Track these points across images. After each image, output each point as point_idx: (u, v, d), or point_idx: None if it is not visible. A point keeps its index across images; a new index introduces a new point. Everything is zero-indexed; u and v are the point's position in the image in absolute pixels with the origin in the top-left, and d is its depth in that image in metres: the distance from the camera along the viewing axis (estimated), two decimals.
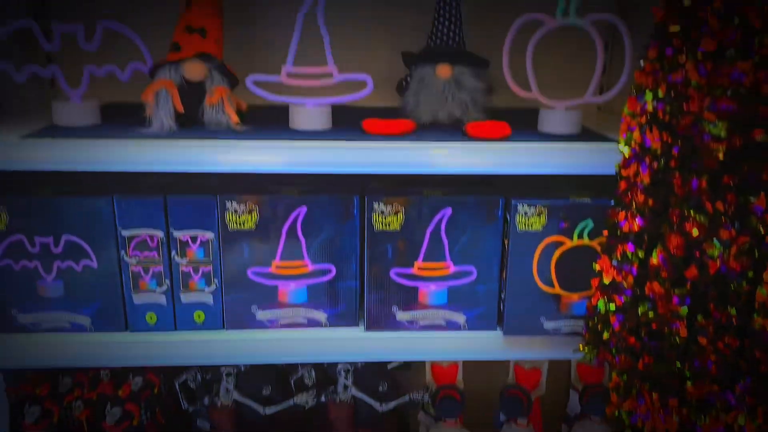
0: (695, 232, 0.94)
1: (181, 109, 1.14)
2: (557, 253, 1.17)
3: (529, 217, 1.15)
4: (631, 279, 1.02)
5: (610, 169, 1.07)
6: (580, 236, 1.16)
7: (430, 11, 1.30)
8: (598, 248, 1.15)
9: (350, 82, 1.18)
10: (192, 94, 1.17)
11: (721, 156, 0.91)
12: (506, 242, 1.18)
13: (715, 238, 0.93)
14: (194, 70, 1.16)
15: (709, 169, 0.92)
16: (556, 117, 1.21)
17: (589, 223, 1.16)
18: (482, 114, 1.26)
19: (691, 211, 0.94)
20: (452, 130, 1.22)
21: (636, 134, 0.98)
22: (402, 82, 1.34)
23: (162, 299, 1.19)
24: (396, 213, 1.17)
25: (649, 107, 0.96)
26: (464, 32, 1.30)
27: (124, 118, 1.21)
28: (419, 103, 1.27)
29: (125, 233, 1.15)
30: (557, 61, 1.42)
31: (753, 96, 0.88)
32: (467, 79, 1.26)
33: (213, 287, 1.19)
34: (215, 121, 1.17)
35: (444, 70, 1.26)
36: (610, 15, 1.17)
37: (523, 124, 1.24)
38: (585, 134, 1.21)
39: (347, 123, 1.22)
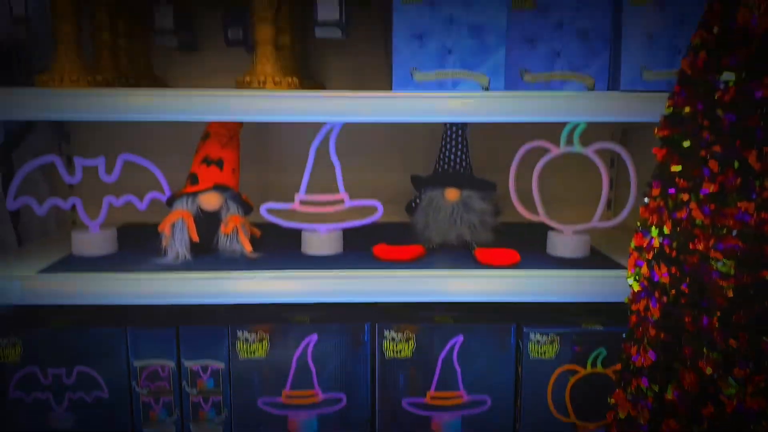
0: (709, 370, 0.93)
1: (196, 238, 1.17)
2: (572, 381, 1.16)
3: (541, 345, 1.15)
4: (647, 414, 1.00)
5: (620, 297, 1.07)
6: (594, 364, 1.15)
7: (438, 135, 1.34)
8: (613, 376, 1.14)
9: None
10: (207, 222, 1.20)
11: (730, 294, 0.91)
12: (519, 370, 1.17)
13: (730, 377, 0.92)
14: (210, 201, 1.20)
15: (719, 307, 0.92)
16: (564, 241, 1.23)
17: (602, 352, 1.15)
18: (491, 235, 1.28)
19: (704, 349, 0.93)
20: (462, 253, 1.24)
21: (644, 269, 0.99)
22: (411, 204, 1.37)
23: (172, 430, 1.17)
24: (407, 340, 1.16)
25: (656, 243, 0.97)
26: (470, 155, 1.34)
27: (140, 244, 1.24)
28: (429, 225, 1.29)
29: (137, 364, 1.15)
30: (564, 175, 1.45)
31: (759, 236, 0.89)
32: (475, 201, 1.29)
33: (223, 417, 1.18)
34: (229, 249, 1.20)
35: (452, 194, 1.29)
36: (612, 144, 1.20)
37: (531, 243, 1.26)
38: (594, 258, 1.22)
39: (358, 245, 1.25)
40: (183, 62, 1.48)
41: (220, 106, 1.05)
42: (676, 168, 0.95)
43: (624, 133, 1.51)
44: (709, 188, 0.91)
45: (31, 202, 1.17)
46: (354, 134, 1.32)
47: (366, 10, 1.42)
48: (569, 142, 1.20)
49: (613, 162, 1.56)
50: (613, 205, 1.57)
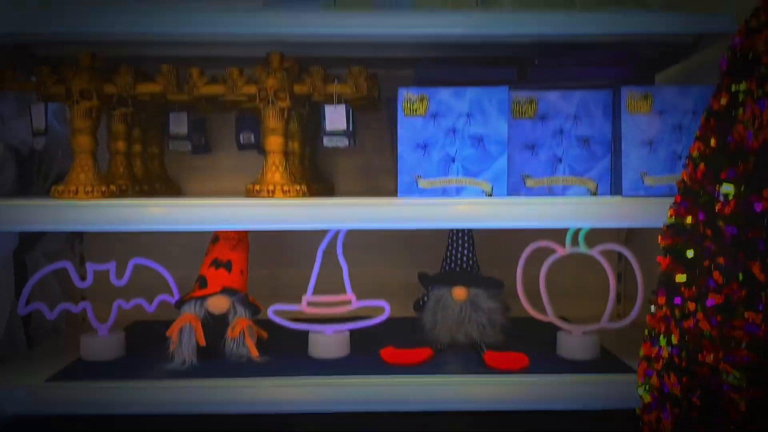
0: None
1: (203, 343, 1.17)
2: None
3: None
4: None
5: (632, 404, 1.05)
6: None
7: (445, 230, 1.35)
8: None
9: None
10: (215, 326, 1.20)
11: (743, 407, 0.89)
12: None
13: None
14: (218, 305, 1.21)
15: (732, 421, 0.90)
16: (573, 342, 1.22)
17: None
18: (500, 334, 1.27)
19: None
20: (470, 356, 1.22)
21: (654, 380, 0.97)
22: (419, 302, 1.37)
23: None
24: None
25: (664, 353, 0.96)
26: (477, 252, 1.35)
27: (148, 346, 1.24)
28: (437, 325, 1.29)
29: None
30: (571, 269, 1.44)
31: None
32: (483, 300, 1.29)
33: None
34: (236, 353, 1.19)
35: (460, 293, 1.29)
36: (617, 245, 1.21)
37: (540, 342, 1.26)
38: (604, 360, 1.20)
39: (366, 346, 1.24)
40: (196, 164, 1.53)
41: (231, 216, 1.08)
42: (680, 278, 0.95)
43: (629, 230, 1.51)
44: (715, 299, 0.91)
45: (42, 307, 1.19)
46: (361, 230, 1.34)
47: (374, 113, 1.46)
48: (575, 243, 1.21)
49: (621, 256, 1.56)
50: (623, 299, 1.56)
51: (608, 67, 1.18)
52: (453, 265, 1.33)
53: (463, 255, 1.33)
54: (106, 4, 1.43)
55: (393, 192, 1.15)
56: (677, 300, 0.95)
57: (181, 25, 1.07)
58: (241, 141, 1.40)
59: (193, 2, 1.45)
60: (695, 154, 0.96)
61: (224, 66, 1.17)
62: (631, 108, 1.11)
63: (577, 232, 1.20)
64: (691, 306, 0.94)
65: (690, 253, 0.94)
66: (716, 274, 0.91)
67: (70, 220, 1.06)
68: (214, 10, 1.07)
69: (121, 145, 1.27)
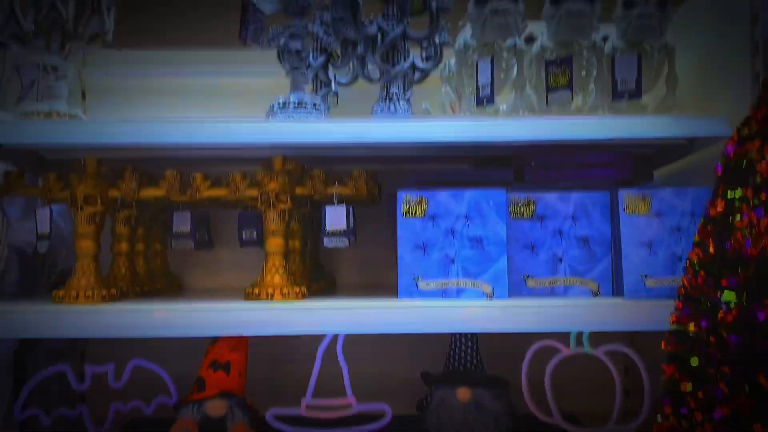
0: None
1: None
2: None
3: None
4: None
5: None
6: None
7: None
8: None
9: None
10: (212, 430, 1.18)
11: None
12: None
13: None
14: (216, 409, 1.19)
15: None
16: None
17: None
18: None
19: None
20: None
21: None
22: (423, 402, 1.34)
23: None
24: None
25: None
26: (480, 349, 1.33)
27: None
28: (441, 426, 1.26)
29: None
30: (577, 367, 1.42)
31: None
32: (488, 402, 1.26)
33: None
34: None
35: (464, 394, 1.26)
36: (622, 346, 1.19)
37: None
38: None
39: None
40: (199, 259, 1.54)
41: (229, 322, 1.07)
42: (686, 387, 0.92)
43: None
44: (723, 412, 0.88)
45: (39, 414, 1.18)
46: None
47: (374, 208, 1.47)
48: (579, 343, 1.19)
49: None
50: (631, 393, 1.52)
51: (605, 168, 1.20)
52: (456, 364, 1.31)
53: (467, 354, 1.31)
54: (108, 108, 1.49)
55: (393, 285, 1.15)
56: (684, 410, 0.93)
57: (188, 135, 1.09)
58: (244, 237, 1.41)
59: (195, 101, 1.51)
60: (695, 260, 0.95)
61: (228, 163, 1.19)
62: (629, 209, 1.11)
63: (580, 333, 1.19)
64: (698, 416, 0.91)
65: (694, 361, 0.92)
66: (722, 384, 0.89)
67: (70, 326, 1.06)
68: (219, 121, 1.10)
69: (123, 246, 1.28)
